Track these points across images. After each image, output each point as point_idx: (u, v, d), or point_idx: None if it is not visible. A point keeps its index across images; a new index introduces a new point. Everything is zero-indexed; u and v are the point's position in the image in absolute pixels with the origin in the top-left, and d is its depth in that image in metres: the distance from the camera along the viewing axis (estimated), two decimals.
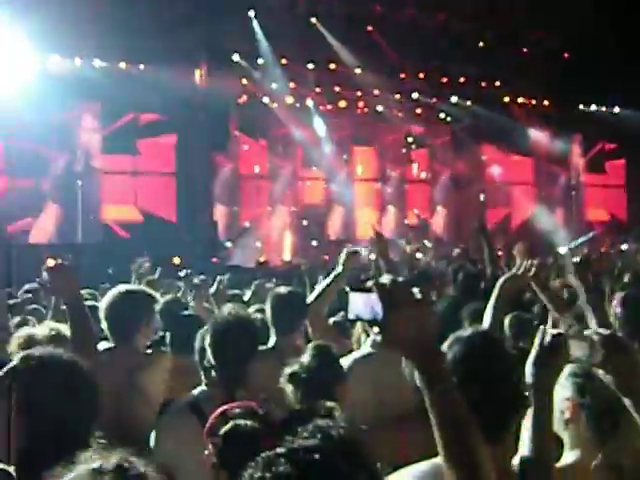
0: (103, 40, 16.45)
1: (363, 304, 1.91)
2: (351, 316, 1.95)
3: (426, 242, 19.81)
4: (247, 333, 3.55)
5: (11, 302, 7.01)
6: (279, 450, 1.46)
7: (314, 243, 20.55)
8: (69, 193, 16.93)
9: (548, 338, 2.25)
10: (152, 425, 3.53)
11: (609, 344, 2.09)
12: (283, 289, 4.73)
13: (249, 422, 2.66)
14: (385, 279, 1.90)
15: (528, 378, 2.26)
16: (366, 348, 4.27)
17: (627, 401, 2.11)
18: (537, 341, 2.26)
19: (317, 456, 1.43)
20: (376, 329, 1.87)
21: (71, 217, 16.79)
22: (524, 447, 2.27)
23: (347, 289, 2.02)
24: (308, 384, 3.19)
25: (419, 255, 16.37)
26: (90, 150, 18.49)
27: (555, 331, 2.29)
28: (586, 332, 2.15)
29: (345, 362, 3.79)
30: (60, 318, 5.07)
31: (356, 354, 4.29)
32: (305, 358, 3.31)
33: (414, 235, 21.93)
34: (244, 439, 2.51)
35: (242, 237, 19.18)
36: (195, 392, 3.44)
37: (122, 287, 4.38)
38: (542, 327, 2.33)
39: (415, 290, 1.90)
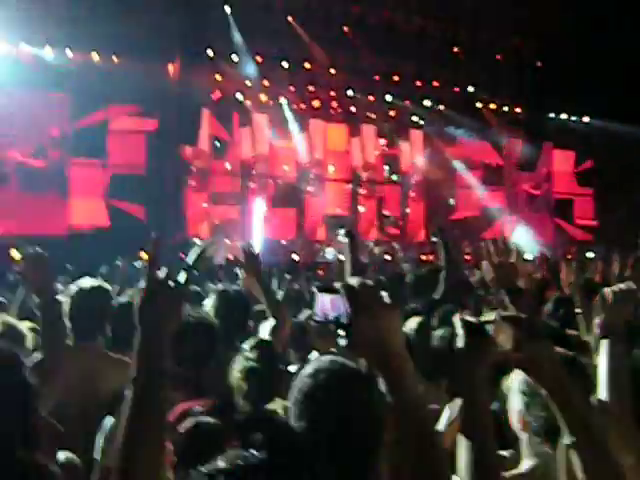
0: (75, 29, 16.23)
1: (330, 305, 1.87)
2: (317, 317, 1.92)
3: (394, 244, 19.90)
4: (206, 333, 3.50)
5: None
6: (220, 465, 1.36)
7: (283, 242, 20.50)
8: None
9: (462, 326, 2.04)
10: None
11: (523, 329, 1.99)
12: (228, 288, 4.59)
13: (211, 420, 2.62)
14: (353, 281, 1.86)
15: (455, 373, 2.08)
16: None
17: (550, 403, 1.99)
18: (457, 330, 2.05)
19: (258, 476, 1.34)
20: (342, 331, 1.83)
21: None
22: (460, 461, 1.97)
23: (314, 289, 1.98)
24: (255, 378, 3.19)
25: (387, 257, 16.42)
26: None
27: (470, 318, 2.09)
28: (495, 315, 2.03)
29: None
30: (23, 314, 4.99)
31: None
32: (249, 354, 3.36)
33: (383, 237, 22.05)
34: (206, 436, 2.46)
35: (213, 234, 19.02)
36: None
37: (85, 282, 4.29)
38: (456, 316, 2.12)
39: (383, 293, 1.87)
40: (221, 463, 1.33)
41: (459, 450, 1.95)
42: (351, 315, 1.80)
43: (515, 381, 2.66)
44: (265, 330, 4.26)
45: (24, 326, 4.08)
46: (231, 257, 10.20)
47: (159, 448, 1.78)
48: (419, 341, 3.87)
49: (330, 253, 19.28)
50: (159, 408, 1.86)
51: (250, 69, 19.56)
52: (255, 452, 1.35)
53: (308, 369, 2.08)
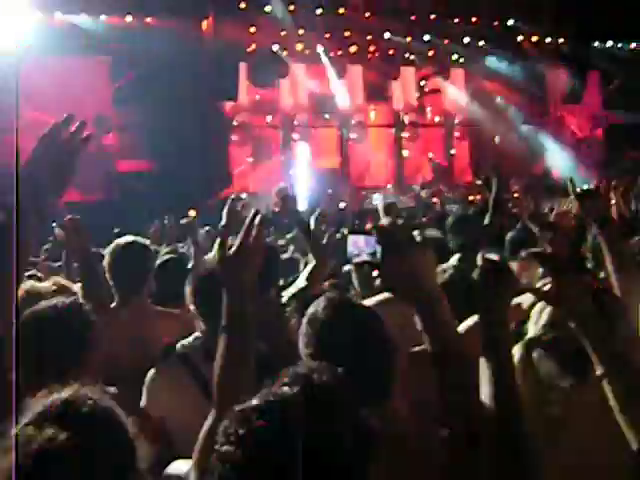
0: None
1: (362, 245, 1.90)
2: (350, 256, 1.96)
3: (441, 186, 19.70)
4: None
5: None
6: (254, 403, 1.40)
7: (329, 191, 20.49)
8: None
9: (486, 265, 2.07)
10: None
11: (550, 265, 2.02)
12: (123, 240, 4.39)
13: None
14: (384, 221, 1.89)
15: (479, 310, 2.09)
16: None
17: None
18: (478, 270, 2.08)
19: (293, 411, 1.36)
20: (375, 272, 1.87)
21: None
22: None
23: (346, 231, 2.02)
24: None
25: (434, 199, 16.30)
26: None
27: (494, 256, 2.15)
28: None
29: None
30: (72, 277, 5.13)
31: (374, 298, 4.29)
32: None
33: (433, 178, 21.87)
34: None
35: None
36: (185, 342, 3.34)
37: (123, 240, 4.32)
38: (481, 254, 2.18)
39: (415, 233, 1.90)
40: (254, 401, 1.38)
41: (481, 370, 1.99)
42: (383, 253, 1.83)
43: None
44: (305, 272, 4.30)
45: (77, 287, 4.18)
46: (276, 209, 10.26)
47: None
48: (454, 279, 3.85)
49: (377, 199, 19.19)
50: (249, 350, 2.09)
51: (284, 18, 19.36)
52: (288, 388, 1.40)
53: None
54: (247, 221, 2.09)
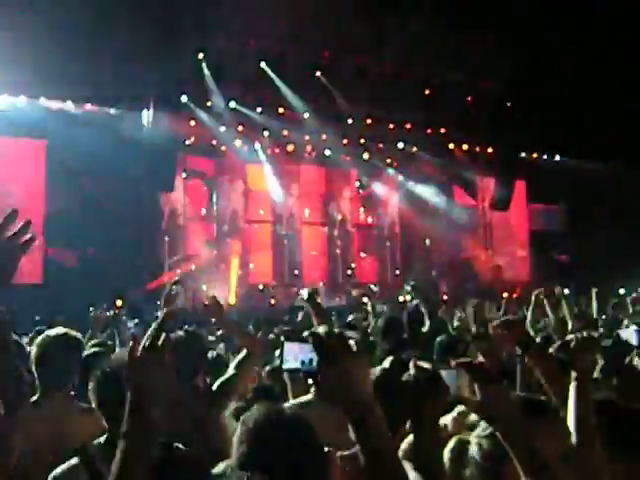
0: (50, 77, 16.32)
1: (299, 354, 1.89)
2: (286, 366, 1.93)
3: (372, 286, 19.88)
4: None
5: None
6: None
7: (260, 287, 20.46)
8: None
9: (415, 372, 2.12)
10: None
11: (477, 375, 2.04)
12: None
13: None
14: (320, 329, 1.88)
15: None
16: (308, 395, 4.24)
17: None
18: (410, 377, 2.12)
19: None
20: (310, 380, 1.85)
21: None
22: None
23: (282, 339, 2.01)
24: None
25: (364, 299, 16.39)
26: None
27: (425, 364, 2.18)
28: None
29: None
30: None
31: (297, 400, 4.26)
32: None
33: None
34: None
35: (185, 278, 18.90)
36: (96, 441, 3.12)
37: (54, 332, 4.18)
38: (413, 360, 2.20)
39: (351, 341, 1.89)
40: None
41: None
42: (319, 363, 1.81)
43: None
44: (235, 361, 4.32)
45: None
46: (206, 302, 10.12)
47: None
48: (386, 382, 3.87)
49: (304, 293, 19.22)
50: (147, 460, 1.99)
51: (224, 115, 19.66)
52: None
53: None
54: (158, 320, 2.06)
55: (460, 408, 2.77)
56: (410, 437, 2.23)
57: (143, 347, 2.02)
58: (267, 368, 5.55)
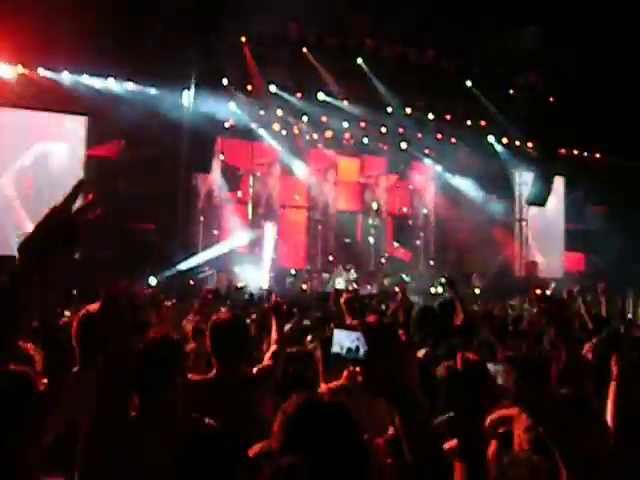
0: (93, 56, 16.48)
1: (347, 341, 1.90)
2: (335, 351, 1.95)
3: (403, 276, 19.87)
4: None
5: None
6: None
7: (292, 272, 20.51)
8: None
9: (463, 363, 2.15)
10: None
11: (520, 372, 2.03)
12: (224, 316, 4.43)
13: None
14: (370, 319, 1.89)
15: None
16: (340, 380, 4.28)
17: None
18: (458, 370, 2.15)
19: None
20: (358, 368, 1.87)
21: None
22: None
23: (332, 326, 2.03)
24: None
25: (396, 288, 16.39)
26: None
27: (472, 355, 2.20)
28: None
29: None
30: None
31: (330, 385, 4.30)
32: None
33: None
34: None
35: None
36: None
37: (93, 306, 4.25)
38: (459, 353, 2.22)
39: (400, 333, 1.90)
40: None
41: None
42: (367, 351, 1.83)
43: None
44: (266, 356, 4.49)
45: (30, 347, 4.06)
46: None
47: None
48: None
49: (340, 283, 19.26)
50: None
51: (264, 99, 19.70)
52: None
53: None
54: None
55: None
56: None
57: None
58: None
